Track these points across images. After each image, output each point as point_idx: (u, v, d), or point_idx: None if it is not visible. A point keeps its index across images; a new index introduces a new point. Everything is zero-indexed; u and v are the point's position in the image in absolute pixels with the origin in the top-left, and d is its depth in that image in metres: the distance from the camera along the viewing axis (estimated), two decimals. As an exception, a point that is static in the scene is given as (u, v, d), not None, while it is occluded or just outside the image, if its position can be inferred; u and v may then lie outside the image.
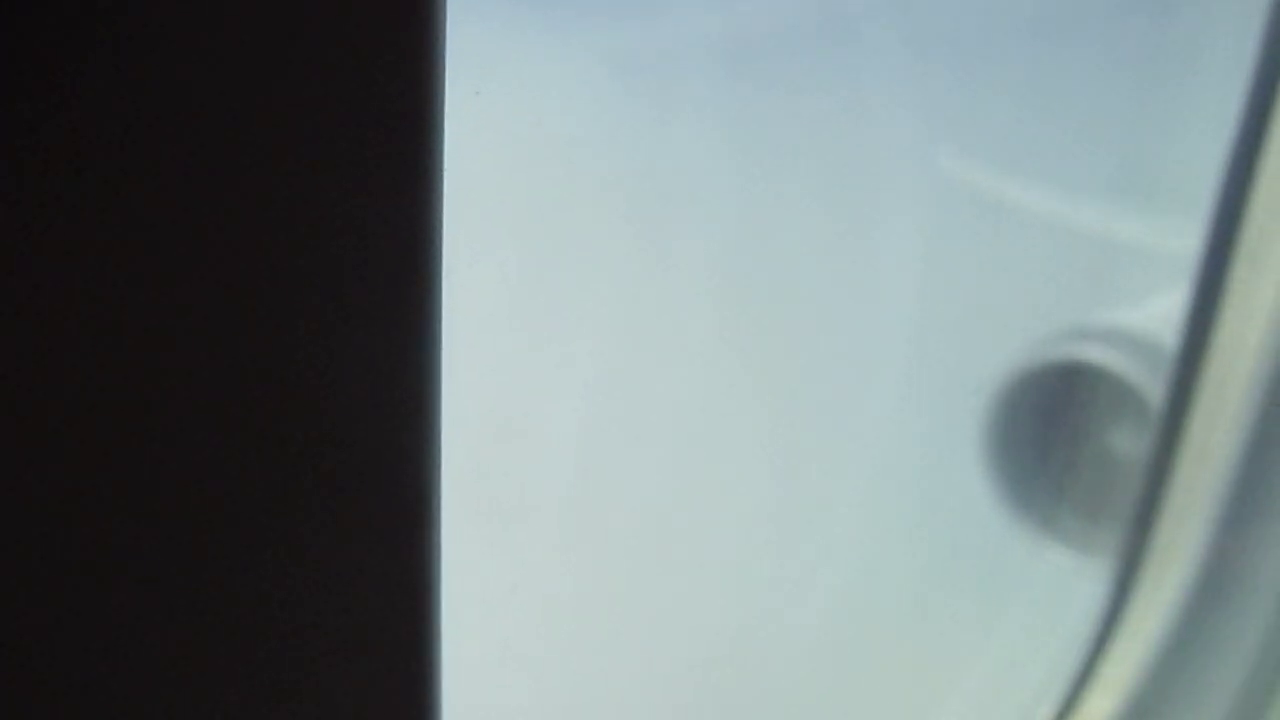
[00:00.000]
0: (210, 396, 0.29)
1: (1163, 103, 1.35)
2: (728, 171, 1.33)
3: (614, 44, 1.21)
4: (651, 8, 1.24)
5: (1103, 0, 1.35)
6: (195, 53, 0.27)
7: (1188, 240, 1.19)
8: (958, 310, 1.51)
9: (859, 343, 1.51)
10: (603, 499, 1.39)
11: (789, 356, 1.48)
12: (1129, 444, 1.40)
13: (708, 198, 1.34)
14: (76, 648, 0.30)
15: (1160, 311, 1.39)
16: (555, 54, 1.17)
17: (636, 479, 1.40)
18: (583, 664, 1.33)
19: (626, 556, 1.40)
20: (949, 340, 1.51)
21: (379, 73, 0.29)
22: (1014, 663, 1.39)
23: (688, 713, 1.37)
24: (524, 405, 1.31)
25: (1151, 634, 1.09)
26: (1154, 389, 1.34)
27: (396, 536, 0.32)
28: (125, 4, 0.26)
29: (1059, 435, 1.46)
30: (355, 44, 0.28)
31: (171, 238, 0.28)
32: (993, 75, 1.39)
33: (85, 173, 0.27)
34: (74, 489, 0.29)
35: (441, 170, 0.31)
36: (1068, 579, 1.41)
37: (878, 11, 1.36)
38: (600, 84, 1.23)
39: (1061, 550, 1.43)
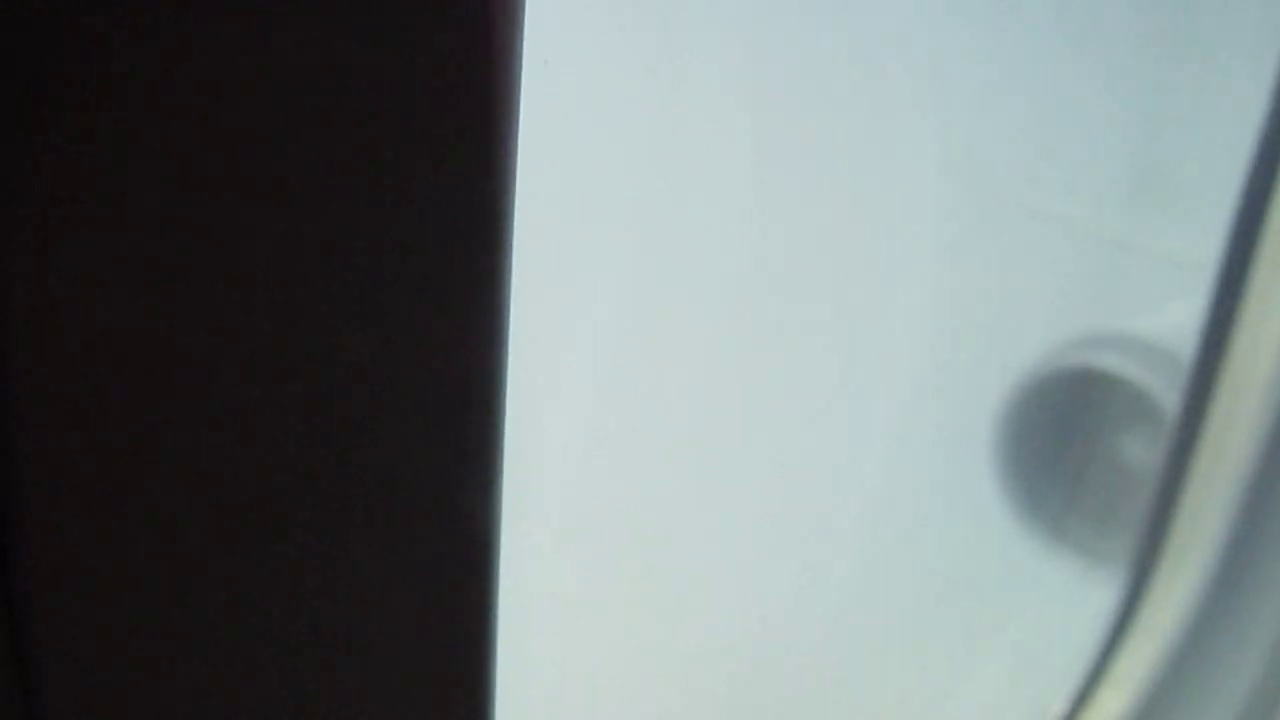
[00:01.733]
0: (268, 403, 0.29)
1: (1182, 108, 1.36)
2: (741, 173, 1.33)
3: (631, 38, 1.22)
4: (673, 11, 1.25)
5: (1122, 4, 1.35)
6: (265, 35, 0.27)
7: (1203, 247, 1.19)
8: (971, 315, 1.51)
9: (871, 346, 1.51)
10: (611, 499, 1.39)
11: (800, 359, 1.48)
12: (1141, 452, 1.40)
13: (720, 199, 1.34)
14: (136, 661, 0.29)
15: (1174, 319, 1.39)
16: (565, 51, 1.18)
17: (643, 481, 1.40)
18: (598, 662, 1.33)
19: (635, 558, 1.40)
20: (962, 345, 1.51)
21: (453, 61, 0.28)
22: (1024, 666, 1.39)
23: (695, 713, 1.37)
24: (526, 405, 1.31)
25: (1164, 632, 1.09)
26: (1168, 396, 1.34)
27: (455, 545, 0.32)
28: None
29: (1071, 442, 1.46)
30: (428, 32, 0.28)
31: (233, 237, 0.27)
32: (1009, 79, 1.39)
33: (166, 168, 0.27)
34: (134, 505, 0.28)
35: (515, 169, 0.30)
36: (1077, 585, 1.41)
37: (894, 13, 1.36)
38: (613, 80, 1.23)
39: (1071, 557, 1.42)
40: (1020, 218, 1.45)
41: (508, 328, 0.31)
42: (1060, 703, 1.13)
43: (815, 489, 1.51)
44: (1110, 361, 1.40)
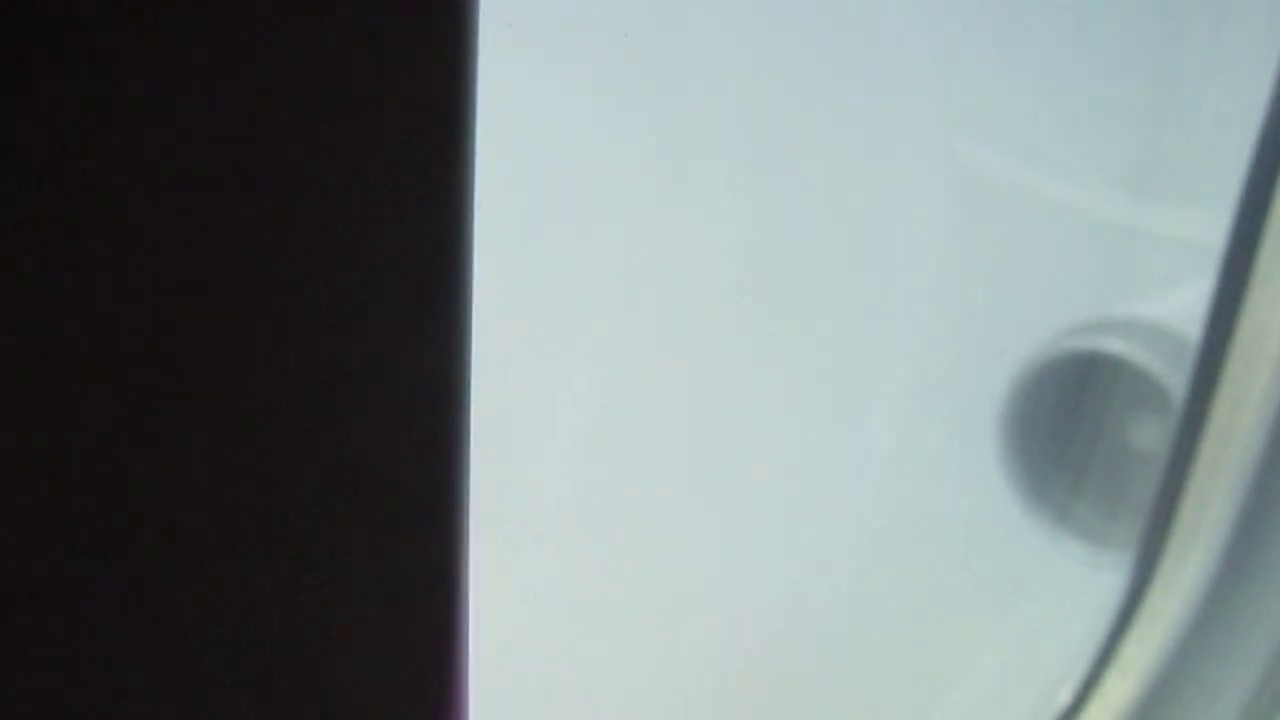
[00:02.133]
0: (235, 401, 0.29)
1: (1187, 93, 1.35)
2: (743, 159, 1.33)
3: (627, 34, 1.22)
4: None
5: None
6: (218, 45, 0.27)
7: (1209, 231, 1.19)
8: (976, 300, 1.51)
9: (877, 333, 1.51)
10: (612, 489, 1.39)
11: (804, 346, 1.48)
12: (1148, 436, 1.40)
13: (722, 188, 1.34)
14: (91, 654, 0.29)
15: (1180, 303, 1.39)
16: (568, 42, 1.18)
17: (642, 470, 1.41)
18: (600, 657, 1.33)
19: (635, 550, 1.40)
20: (968, 331, 1.51)
21: (410, 66, 0.29)
22: (1031, 651, 1.39)
23: (699, 705, 1.37)
24: (526, 405, 1.32)
25: (1172, 617, 1.09)
26: (1174, 380, 1.34)
27: (424, 541, 0.32)
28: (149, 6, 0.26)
29: (1077, 427, 1.46)
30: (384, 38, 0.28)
31: (192, 239, 0.27)
32: (1013, 65, 1.39)
33: (113, 175, 0.27)
34: (100, 493, 0.28)
35: (473, 171, 0.30)
36: (1084, 570, 1.41)
37: (898, 1, 1.36)
38: (609, 73, 1.23)
39: (1078, 542, 1.43)
40: (1025, 202, 1.45)
41: (470, 327, 0.31)
42: (1068, 690, 1.13)
43: (820, 475, 1.51)
44: (1116, 345, 1.40)
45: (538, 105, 1.25)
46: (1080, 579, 1.41)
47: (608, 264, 1.33)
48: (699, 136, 1.31)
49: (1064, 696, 1.12)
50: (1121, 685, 1.09)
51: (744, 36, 1.31)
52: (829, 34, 1.36)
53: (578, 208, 1.29)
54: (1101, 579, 1.30)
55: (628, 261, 1.34)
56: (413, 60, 0.29)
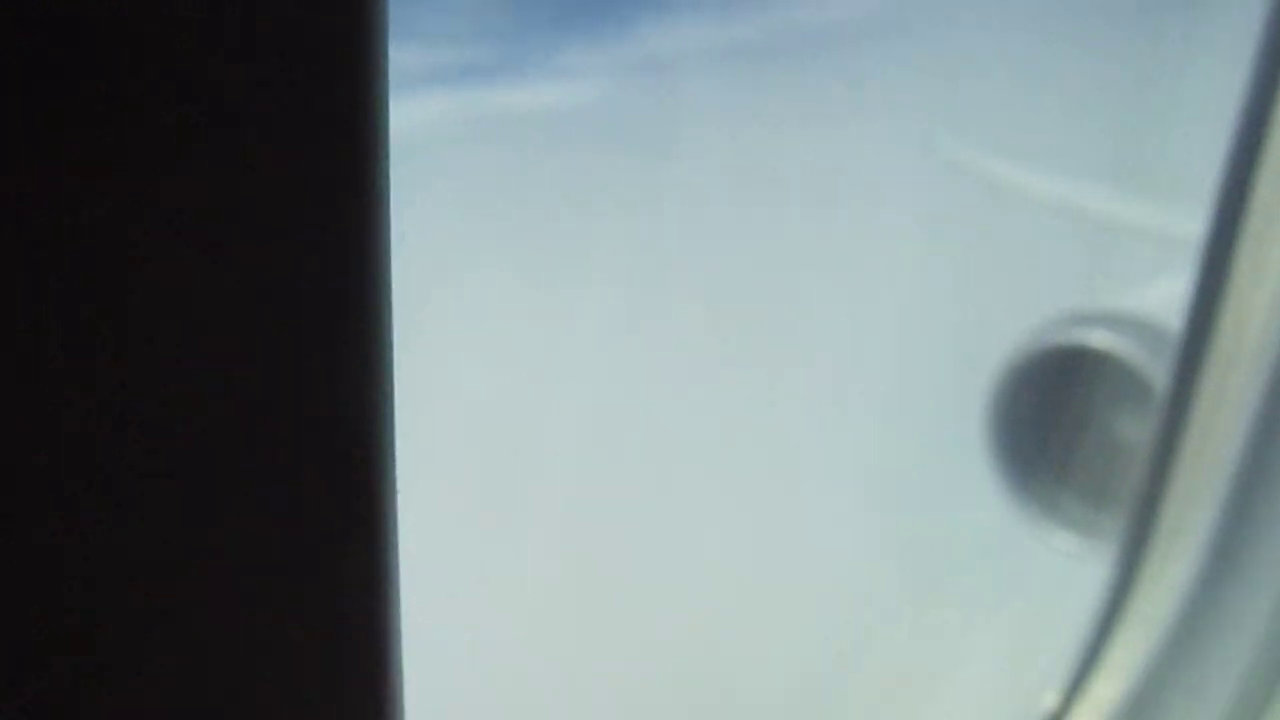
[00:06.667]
0: (158, 398, 0.29)
1: (1166, 87, 1.35)
2: (730, 158, 1.32)
3: (621, 42, 1.22)
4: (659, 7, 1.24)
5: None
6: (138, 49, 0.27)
7: (1190, 224, 1.19)
8: (959, 296, 1.51)
9: (861, 328, 1.51)
10: (601, 487, 1.39)
11: (789, 342, 1.48)
12: (1131, 428, 1.40)
13: (711, 188, 1.34)
14: (39, 644, 0.30)
15: (1162, 295, 1.39)
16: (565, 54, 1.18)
17: (631, 470, 1.41)
18: (593, 657, 1.34)
19: (637, 547, 1.40)
20: (951, 326, 1.51)
21: (322, 80, 0.29)
22: (1017, 646, 1.40)
23: (683, 702, 1.38)
24: (523, 408, 1.31)
25: (1157, 618, 1.10)
26: (1156, 373, 1.35)
27: (351, 535, 0.32)
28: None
29: (1061, 420, 1.46)
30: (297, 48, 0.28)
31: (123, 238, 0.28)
32: (994, 63, 1.39)
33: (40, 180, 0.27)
34: (40, 490, 0.29)
35: (387, 172, 0.31)
36: (1070, 562, 1.41)
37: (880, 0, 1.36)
38: (605, 81, 1.23)
39: (1063, 534, 1.43)
40: (1008, 198, 1.45)
41: (390, 335, 0.32)
42: (1054, 690, 1.13)
43: (805, 472, 1.51)
44: (1100, 339, 1.40)
45: (535, 105, 1.25)
46: (1067, 572, 1.42)
47: (596, 270, 1.33)
48: (686, 134, 1.31)
49: (1050, 698, 1.13)
50: (1107, 689, 1.09)
51: (733, 41, 1.31)
52: (812, 35, 1.36)
53: (571, 211, 1.29)
54: (1088, 570, 1.31)
55: (625, 261, 1.34)
56: (321, 66, 0.29)
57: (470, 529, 1.28)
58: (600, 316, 1.35)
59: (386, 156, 0.32)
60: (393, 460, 0.34)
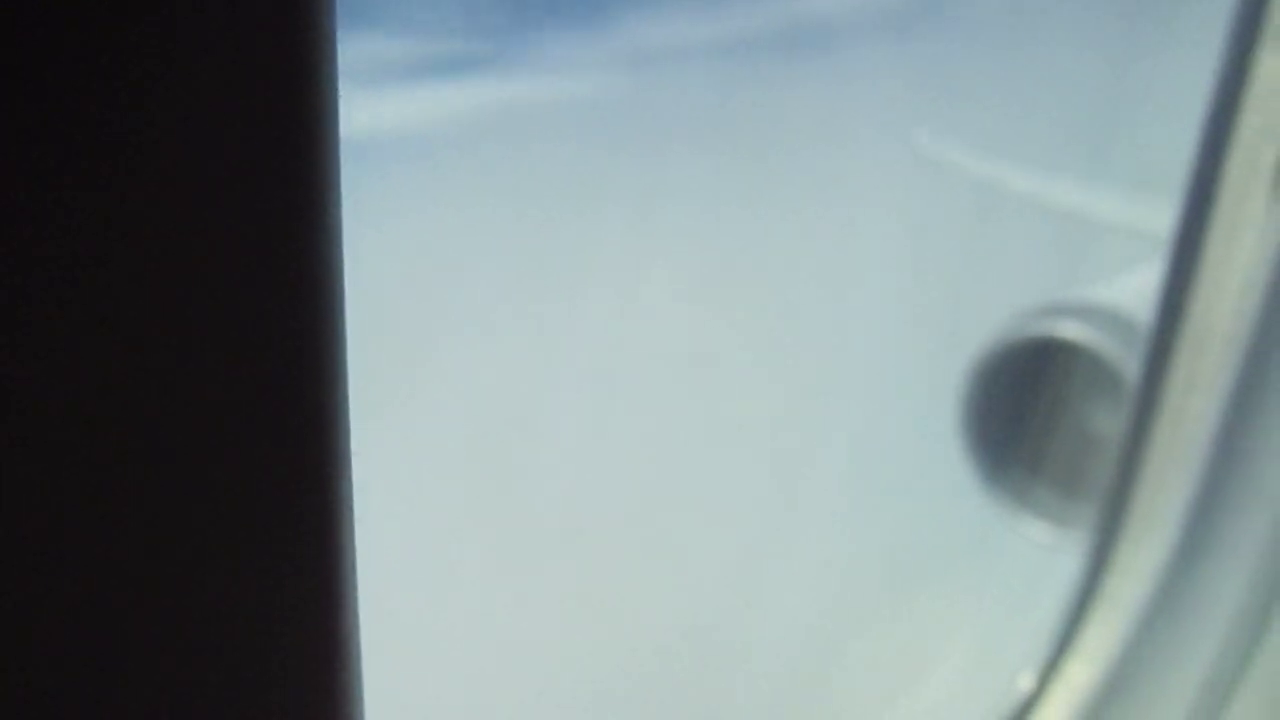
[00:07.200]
0: (106, 400, 0.30)
1: (1136, 83, 1.37)
2: (719, 152, 1.33)
3: (612, 37, 1.22)
4: (647, 7, 1.25)
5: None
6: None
7: (1160, 217, 1.21)
8: (933, 288, 1.52)
9: (835, 322, 1.52)
10: (588, 487, 1.40)
11: (769, 335, 1.49)
12: (1104, 418, 1.42)
13: (699, 182, 1.34)
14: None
15: (1133, 287, 1.40)
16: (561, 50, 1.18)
17: (624, 465, 1.41)
18: (580, 649, 1.34)
19: (623, 542, 1.41)
20: (925, 318, 1.52)
21: (273, 80, 0.30)
22: (992, 634, 1.41)
23: (667, 695, 1.38)
24: (516, 404, 1.32)
25: (1130, 602, 1.11)
26: (1128, 363, 1.36)
27: (307, 530, 0.32)
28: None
29: (1034, 410, 1.48)
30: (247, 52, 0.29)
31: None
32: (972, 60, 1.40)
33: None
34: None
35: (338, 175, 0.31)
36: (1043, 551, 1.42)
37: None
38: (597, 75, 1.23)
39: (1036, 523, 1.44)
40: (979, 191, 1.46)
41: (344, 337, 0.32)
42: (1029, 675, 1.15)
43: (783, 464, 1.52)
44: (1071, 329, 1.42)
45: (534, 102, 1.25)
46: (1039, 560, 1.43)
47: (592, 267, 1.33)
48: (674, 137, 1.32)
49: (1026, 682, 1.14)
50: (1082, 672, 1.10)
51: (718, 41, 1.32)
52: (798, 29, 1.37)
53: (568, 207, 1.30)
54: (1061, 559, 1.32)
55: (616, 254, 1.34)
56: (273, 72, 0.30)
57: (469, 526, 1.29)
58: (591, 309, 1.36)
59: (337, 155, 0.32)
60: (348, 455, 0.34)
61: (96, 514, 0.31)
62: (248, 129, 0.30)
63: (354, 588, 0.34)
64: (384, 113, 1.09)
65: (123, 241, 0.30)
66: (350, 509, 0.34)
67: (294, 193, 0.31)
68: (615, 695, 1.34)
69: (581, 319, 1.35)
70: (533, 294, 1.30)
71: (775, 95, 1.32)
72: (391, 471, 1.01)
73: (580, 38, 1.20)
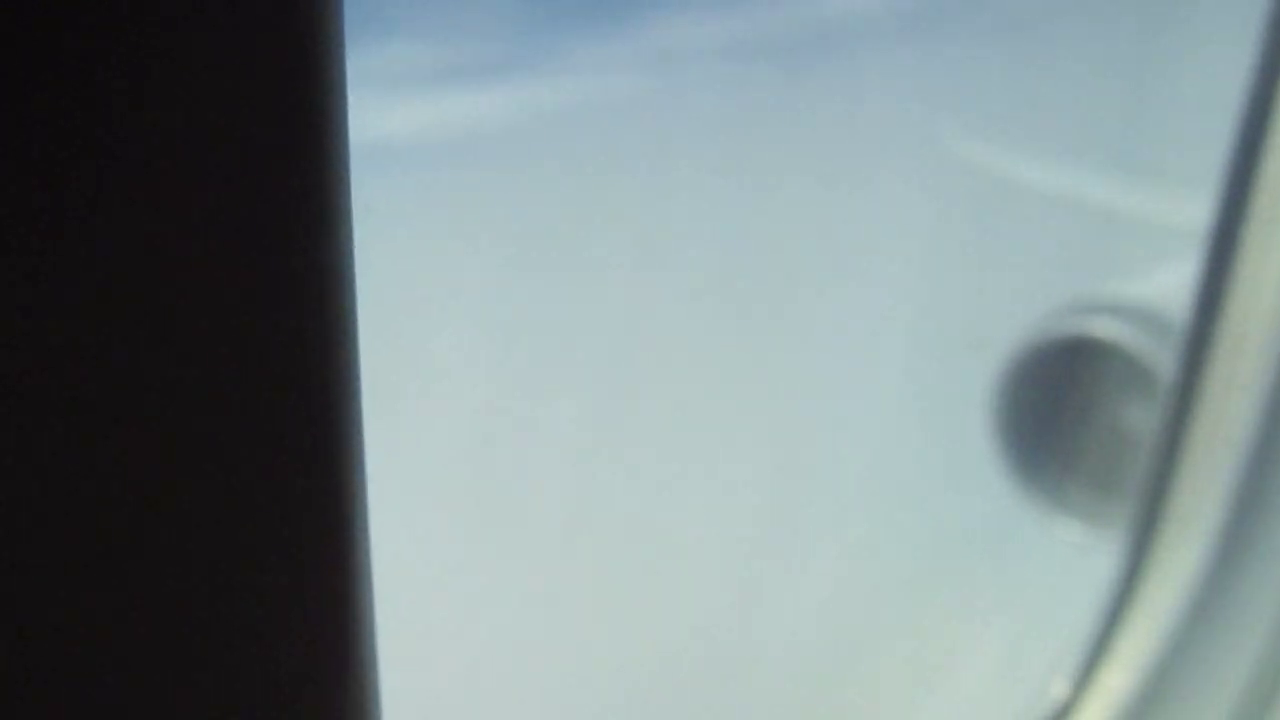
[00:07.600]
0: (114, 397, 0.30)
1: (1170, 77, 1.35)
2: (740, 152, 1.32)
3: (631, 39, 1.22)
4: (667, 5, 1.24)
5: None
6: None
7: (1194, 212, 1.19)
8: (965, 287, 1.51)
9: (868, 320, 1.51)
10: (610, 491, 1.39)
11: (794, 336, 1.48)
12: (1137, 417, 1.40)
13: (721, 181, 1.34)
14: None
15: (1166, 284, 1.39)
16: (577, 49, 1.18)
17: (641, 466, 1.41)
18: (591, 652, 1.34)
19: (641, 538, 1.40)
20: (957, 317, 1.51)
21: (280, 81, 0.30)
22: (1026, 637, 1.40)
23: (690, 697, 1.38)
24: (524, 407, 1.31)
25: (1166, 607, 1.09)
26: (1161, 362, 1.34)
27: (322, 533, 0.32)
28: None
29: (1067, 410, 1.46)
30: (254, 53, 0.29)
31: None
32: (997, 55, 1.38)
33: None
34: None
35: (348, 171, 0.31)
36: (1078, 552, 1.41)
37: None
38: (615, 77, 1.23)
39: (1071, 524, 1.43)
40: (1011, 188, 1.45)
41: (356, 334, 0.32)
42: (1063, 682, 1.13)
43: (812, 464, 1.51)
44: (1104, 327, 1.40)
45: (535, 103, 1.25)
46: (1075, 560, 1.42)
47: (595, 268, 1.33)
48: (693, 129, 1.31)
49: (1060, 689, 1.13)
50: (1117, 679, 1.09)
51: (738, 39, 1.31)
52: (820, 28, 1.36)
53: (570, 210, 1.29)
54: (1096, 560, 1.31)
55: (635, 256, 1.34)
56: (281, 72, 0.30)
57: (469, 527, 1.28)
58: (611, 312, 1.35)
59: (347, 157, 0.32)
60: (362, 456, 0.34)
61: (111, 517, 0.31)
62: (256, 131, 0.30)
63: (370, 590, 0.35)
64: (409, 119, 1.09)
65: (137, 248, 0.30)
66: (365, 511, 0.34)
67: (300, 194, 0.31)
68: (631, 697, 1.34)
69: (607, 319, 1.34)
70: (558, 296, 1.29)
71: (801, 94, 1.31)
72: (403, 474, 1.00)
73: (603, 40, 1.19)
